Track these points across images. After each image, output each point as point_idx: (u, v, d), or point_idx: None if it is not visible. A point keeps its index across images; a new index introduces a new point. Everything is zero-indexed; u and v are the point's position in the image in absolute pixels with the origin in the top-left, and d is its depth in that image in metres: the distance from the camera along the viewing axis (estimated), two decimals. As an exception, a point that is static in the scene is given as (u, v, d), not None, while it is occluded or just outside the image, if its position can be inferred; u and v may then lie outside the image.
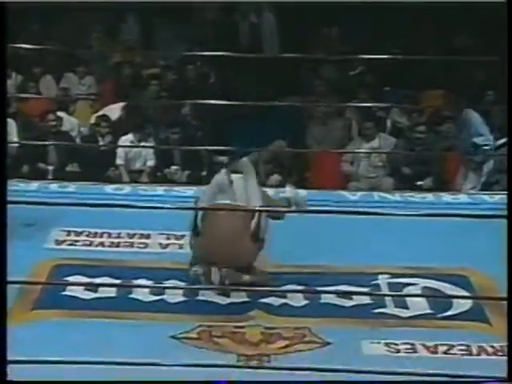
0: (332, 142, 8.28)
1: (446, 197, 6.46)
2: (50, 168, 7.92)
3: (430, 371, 3.63)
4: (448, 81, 8.52)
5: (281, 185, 7.36)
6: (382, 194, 6.65)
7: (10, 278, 2.72)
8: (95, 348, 3.94)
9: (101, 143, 8.03)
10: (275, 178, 7.88)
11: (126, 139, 7.94)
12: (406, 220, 4.50)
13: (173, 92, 8.80)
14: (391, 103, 8.43)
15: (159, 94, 8.67)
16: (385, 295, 4.11)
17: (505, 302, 4.27)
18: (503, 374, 2.95)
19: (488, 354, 4.16)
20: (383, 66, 8.67)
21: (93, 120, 8.34)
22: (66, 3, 8.79)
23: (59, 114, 8.17)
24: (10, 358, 2.84)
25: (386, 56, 7.85)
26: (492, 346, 4.21)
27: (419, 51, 8.05)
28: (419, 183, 7.69)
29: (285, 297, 4.70)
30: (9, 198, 2.85)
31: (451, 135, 8.04)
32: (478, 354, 4.17)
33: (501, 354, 4.11)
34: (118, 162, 7.88)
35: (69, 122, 8.28)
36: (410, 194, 6.48)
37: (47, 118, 7.92)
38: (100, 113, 8.39)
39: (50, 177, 7.68)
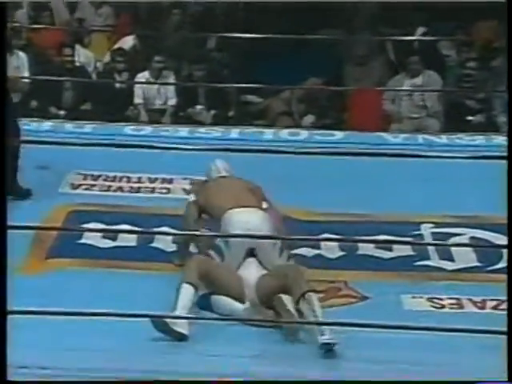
0: (372, 80, 8.20)
1: (498, 139, 6.41)
2: (64, 107, 7.94)
3: (477, 328, 3.66)
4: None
5: (315, 126, 7.35)
6: (427, 136, 6.62)
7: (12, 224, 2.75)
8: (114, 300, 3.99)
9: (118, 80, 8.01)
10: (309, 118, 7.84)
11: (144, 76, 7.92)
12: (452, 164, 4.48)
13: (197, 24, 8.74)
14: (439, 36, 8.29)
15: (182, 26, 8.62)
16: (429, 244, 4.11)
17: None
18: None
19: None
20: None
21: (108, 54, 8.32)
22: None
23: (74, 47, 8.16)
24: (22, 308, 2.90)
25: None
26: (546, 302, 4.21)
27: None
28: (469, 123, 7.60)
29: (319, 247, 4.72)
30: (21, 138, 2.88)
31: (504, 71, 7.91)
32: (531, 310, 4.17)
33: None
34: (137, 100, 7.88)
35: (84, 56, 8.27)
36: (458, 136, 6.44)
37: (61, 51, 7.92)
38: (116, 46, 8.37)
39: (63, 116, 7.69)
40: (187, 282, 3.99)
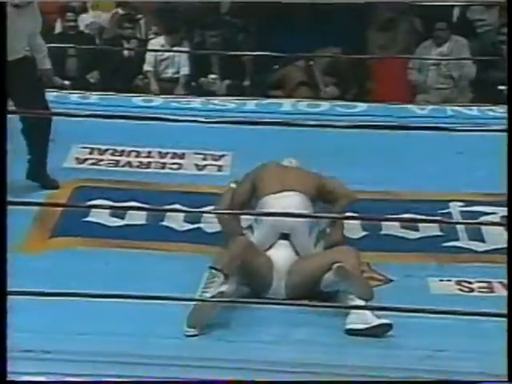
0: (397, 48, 8.16)
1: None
2: (68, 76, 7.94)
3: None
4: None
5: (338, 97, 7.32)
6: (456, 107, 6.59)
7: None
8: (120, 281, 4.01)
9: (126, 47, 8.00)
10: (332, 89, 7.81)
11: (156, 42, 7.91)
12: (483, 138, 4.45)
13: (210, -13, 8.72)
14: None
15: (194, -10, 8.60)
16: (458, 223, 4.11)
17: None
18: None
19: None
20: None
21: (115, 19, 8.31)
22: None
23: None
24: (24, 289, 2.92)
25: None
26: None
27: None
28: (501, 93, 7.55)
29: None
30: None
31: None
32: None
33: None
34: (147, 68, 7.87)
35: (89, 21, 8.26)
36: (490, 108, 6.41)
37: (65, 16, 7.92)
38: (123, 12, 8.35)
39: (68, 87, 7.70)
40: (217, 269, 4.00)
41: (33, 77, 4.92)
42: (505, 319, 2.85)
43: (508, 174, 2.93)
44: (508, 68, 3.02)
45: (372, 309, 3.84)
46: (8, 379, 2.67)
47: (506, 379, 2.84)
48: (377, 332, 3.83)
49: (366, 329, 3.83)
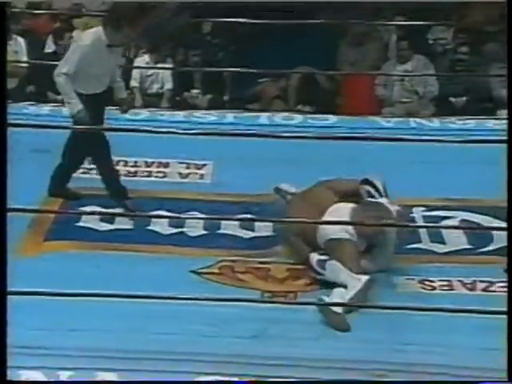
0: (366, 65, 8.19)
1: (490, 122, 6.41)
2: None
3: (468, 308, 3.68)
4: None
5: (309, 111, 7.33)
6: (419, 120, 6.61)
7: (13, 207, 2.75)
8: (111, 281, 4.00)
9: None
10: (304, 102, 7.82)
11: (142, 60, 7.90)
12: (444, 148, 4.48)
13: (192, 8, 8.71)
14: (432, 21, 8.26)
15: (179, 12, 8.58)
16: (419, 227, 4.12)
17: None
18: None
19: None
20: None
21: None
22: None
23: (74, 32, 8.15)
24: (20, 289, 2.91)
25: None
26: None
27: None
28: (460, 107, 7.60)
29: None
30: (18, 121, 2.88)
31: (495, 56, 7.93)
32: (520, 292, 4.19)
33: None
34: (133, 84, 7.86)
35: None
36: (451, 121, 6.43)
37: (59, 36, 7.90)
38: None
39: (61, 101, 7.65)
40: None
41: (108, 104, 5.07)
42: (504, 316, 2.82)
43: (508, 180, 2.90)
44: (508, 69, 2.96)
45: (340, 305, 3.82)
46: (8, 379, 2.65)
47: (506, 379, 2.80)
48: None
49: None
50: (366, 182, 4.48)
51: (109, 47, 4.84)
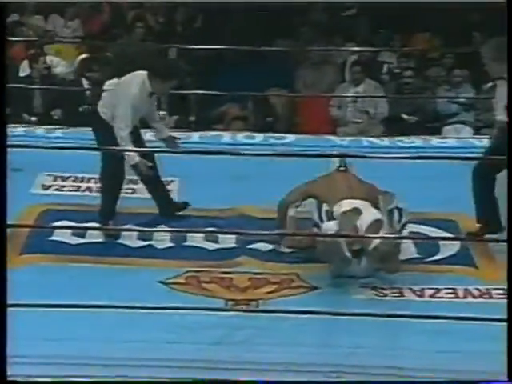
0: (322, 87, 8.26)
1: (435, 141, 6.49)
2: (35, 113, 7.87)
3: (417, 314, 3.72)
4: (438, 23, 8.48)
5: (272, 130, 7.37)
6: (370, 139, 6.66)
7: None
8: (82, 292, 3.98)
9: (86, 87, 7.95)
10: (265, 123, 7.87)
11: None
12: (394, 165, 4.52)
13: (159, 36, 8.72)
14: (382, 47, 8.37)
15: (145, 38, 8.59)
16: (368, 237, 4.15)
17: (492, 245, 4.39)
18: (488, 315, 3.02)
19: (474, 297, 4.24)
20: (375, 8, 8.58)
21: (77, 63, 8.26)
22: None
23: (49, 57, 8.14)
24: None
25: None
26: (477, 289, 4.28)
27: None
28: (408, 127, 7.70)
29: (274, 242, 4.73)
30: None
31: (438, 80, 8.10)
32: (465, 297, 4.24)
33: (486, 296, 4.20)
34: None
35: (55, 65, 8.21)
36: (399, 139, 6.49)
37: (34, 61, 7.86)
38: (84, 56, 8.30)
39: (35, 122, 7.62)
40: None
41: None
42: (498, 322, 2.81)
43: (508, 190, 2.91)
44: (508, 69, 2.97)
45: (297, 312, 3.81)
46: (8, 379, 2.62)
47: (507, 379, 2.81)
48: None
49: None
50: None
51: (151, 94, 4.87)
